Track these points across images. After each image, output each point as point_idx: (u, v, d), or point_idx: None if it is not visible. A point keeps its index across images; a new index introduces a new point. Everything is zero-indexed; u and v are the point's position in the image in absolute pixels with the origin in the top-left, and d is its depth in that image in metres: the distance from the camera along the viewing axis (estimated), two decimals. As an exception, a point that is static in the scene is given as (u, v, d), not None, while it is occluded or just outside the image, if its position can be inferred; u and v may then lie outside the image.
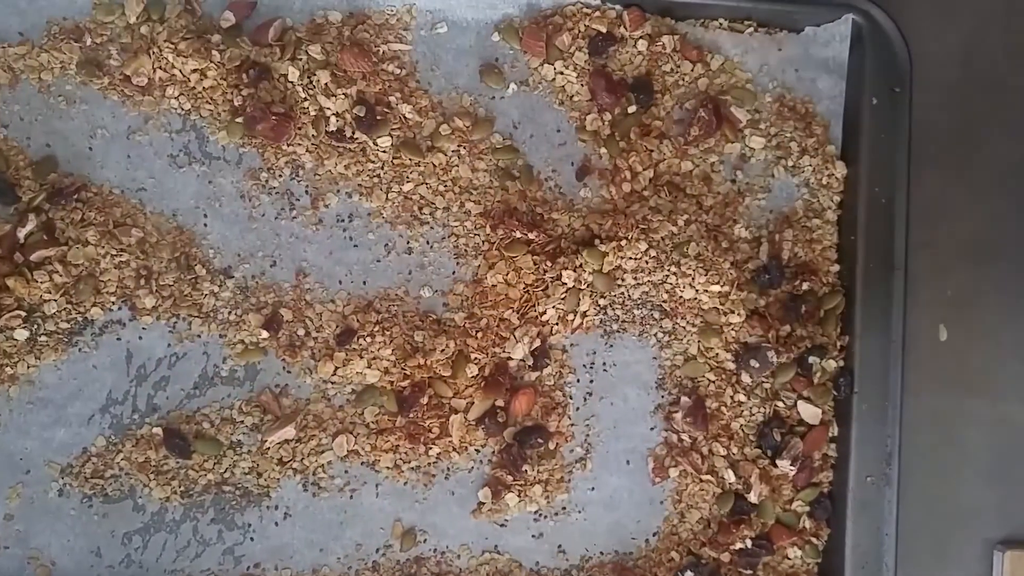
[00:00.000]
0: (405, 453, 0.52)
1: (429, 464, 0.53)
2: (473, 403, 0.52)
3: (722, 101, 0.55)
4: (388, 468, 0.52)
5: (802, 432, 0.54)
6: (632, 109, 0.55)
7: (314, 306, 0.53)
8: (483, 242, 0.54)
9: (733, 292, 0.53)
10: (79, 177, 0.52)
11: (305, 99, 0.53)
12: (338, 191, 0.54)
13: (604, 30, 0.55)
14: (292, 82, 0.53)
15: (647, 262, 0.54)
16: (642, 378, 0.54)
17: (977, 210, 0.57)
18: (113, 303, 0.52)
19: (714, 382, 0.54)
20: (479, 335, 0.53)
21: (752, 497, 0.53)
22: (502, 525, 0.53)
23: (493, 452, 0.53)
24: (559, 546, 0.53)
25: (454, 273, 0.54)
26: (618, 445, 0.54)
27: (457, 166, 0.54)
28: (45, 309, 0.51)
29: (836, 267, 0.55)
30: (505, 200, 0.54)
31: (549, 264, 0.53)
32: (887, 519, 0.53)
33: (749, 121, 0.56)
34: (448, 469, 0.53)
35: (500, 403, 0.53)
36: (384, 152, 0.54)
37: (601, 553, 0.53)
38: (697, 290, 0.53)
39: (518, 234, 0.53)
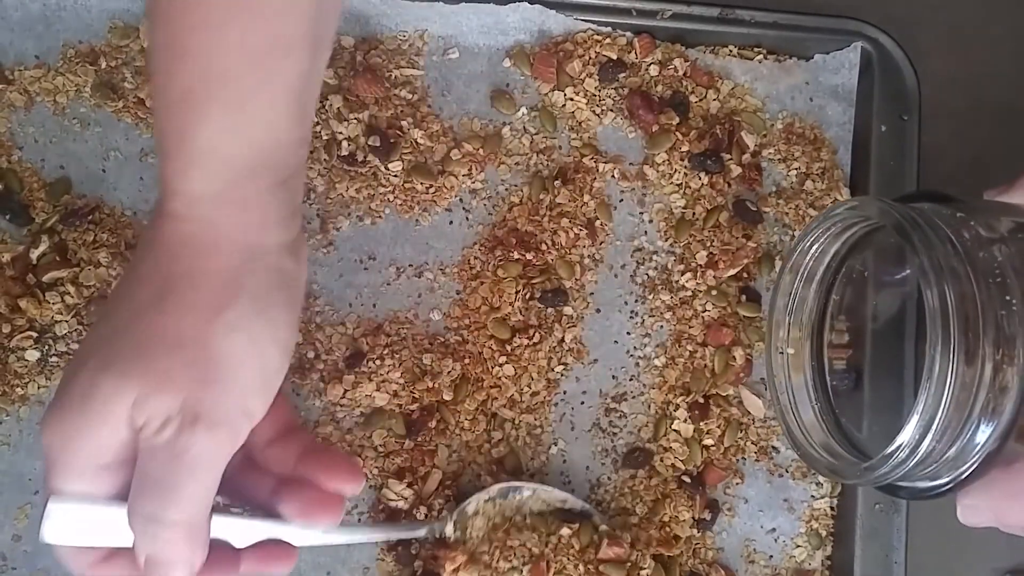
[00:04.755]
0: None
1: (437, 488, 0.53)
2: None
3: (736, 123, 0.56)
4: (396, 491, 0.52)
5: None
6: (676, 121, 0.55)
7: (324, 328, 0.53)
8: (483, 263, 0.54)
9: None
10: (92, 199, 0.53)
11: (317, 123, 0.53)
12: (349, 214, 0.54)
13: (615, 57, 0.55)
14: (305, 106, 0.53)
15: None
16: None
17: (986, 237, 0.57)
18: (124, 324, 0.52)
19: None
20: (468, 359, 0.53)
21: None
22: (509, 550, 0.53)
23: (501, 476, 0.53)
24: (566, 571, 0.53)
25: (459, 294, 0.54)
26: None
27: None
28: (56, 330, 0.51)
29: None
30: (508, 222, 0.54)
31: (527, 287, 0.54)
32: (896, 547, 0.53)
33: (758, 145, 0.56)
34: (456, 493, 0.53)
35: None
36: (396, 176, 0.54)
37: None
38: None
39: (515, 255, 0.53)
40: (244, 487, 0.39)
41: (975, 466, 0.33)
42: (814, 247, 0.40)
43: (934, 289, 0.31)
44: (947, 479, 0.35)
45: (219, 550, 0.37)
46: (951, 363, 0.31)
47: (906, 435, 0.32)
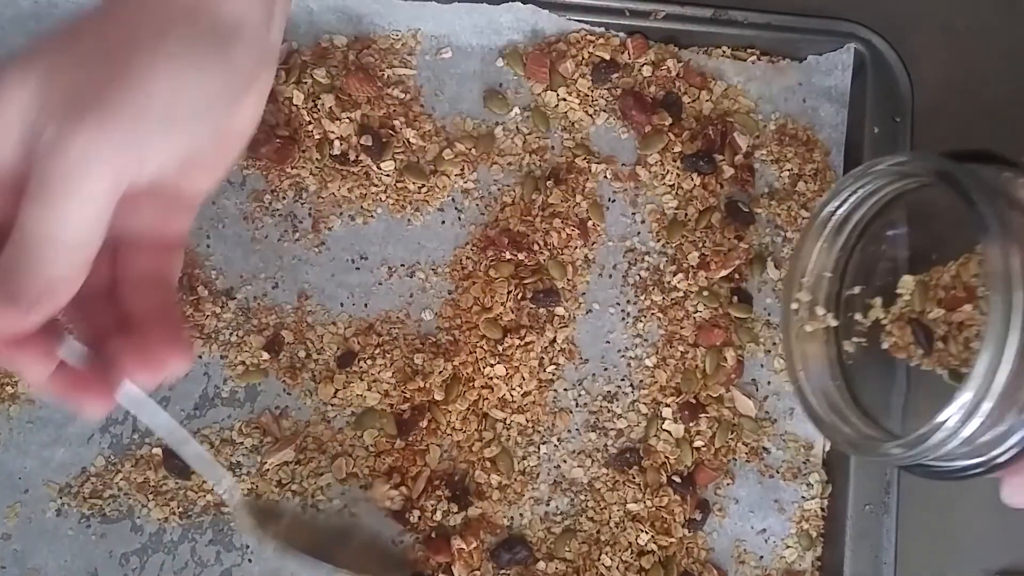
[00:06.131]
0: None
1: (428, 488, 0.53)
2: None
3: (729, 124, 0.56)
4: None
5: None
6: (668, 121, 0.55)
7: (315, 328, 0.53)
8: (475, 264, 0.54)
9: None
10: (83, 197, 0.52)
11: (309, 122, 0.53)
12: (341, 214, 0.54)
13: (608, 57, 0.55)
14: (297, 105, 0.53)
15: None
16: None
17: (977, 239, 0.57)
18: (115, 323, 0.52)
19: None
20: (459, 359, 0.53)
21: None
22: (500, 549, 0.53)
23: (492, 476, 0.53)
24: (557, 571, 0.53)
25: (450, 294, 0.54)
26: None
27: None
28: (47, 328, 0.51)
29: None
30: (500, 222, 0.54)
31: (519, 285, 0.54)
32: (886, 548, 0.53)
33: (751, 147, 0.56)
34: (447, 493, 0.53)
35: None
36: (388, 176, 0.54)
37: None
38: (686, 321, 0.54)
39: (507, 255, 0.53)
40: (93, 312, 0.36)
41: (1017, 450, 0.31)
42: (846, 204, 0.37)
43: (997, 247, 0.28)
44: (978, 460, 0.33)
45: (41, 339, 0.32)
46: (1012, 329, 0.28)
47: (954, 410, 0.30)
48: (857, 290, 0.41)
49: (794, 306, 0.40)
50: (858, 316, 0.41)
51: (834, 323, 0.40)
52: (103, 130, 0.29)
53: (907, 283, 0.39)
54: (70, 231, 0.30)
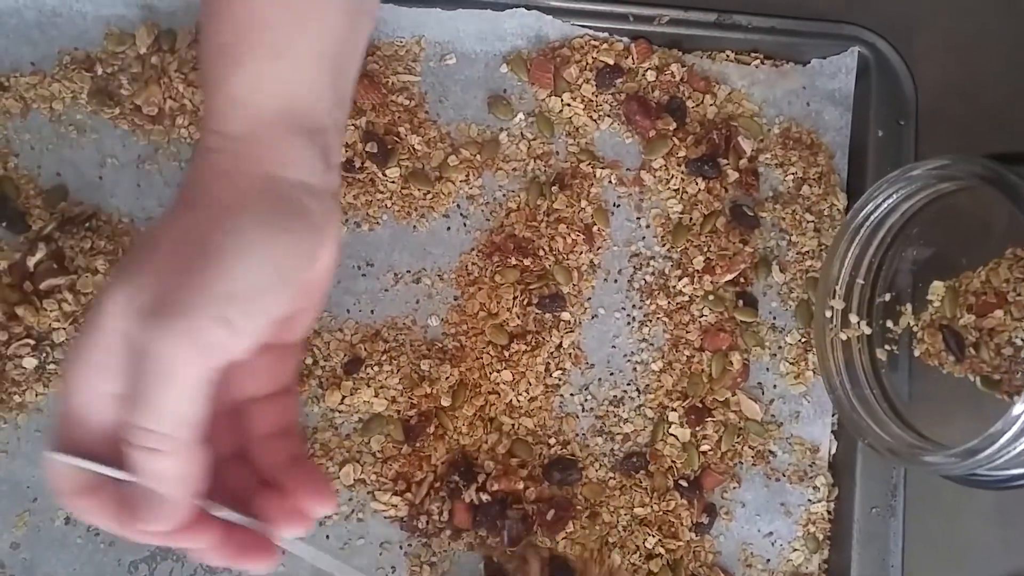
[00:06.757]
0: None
1: (435, 494, 0.53)
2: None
3: (733, 128, 0.56)
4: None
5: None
6: (673, 126, 0.55)
7: (322, 335, 0.53)
8: (480, 269, 0.54)
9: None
10: (89, 206, 0.52)
11: (314, 130, 0.53)
12: (347, 220, 0.54)
13: (611, 62, 0.55)
14: (302, 113, 0.53)
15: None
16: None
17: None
18: (122, 331, 0.52)
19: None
20: (465, 365, 0.53)
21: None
22: (508, 555, 0.53)
23: (499, 482, 0.53)
24: None
25: (456, 300, 0.54)
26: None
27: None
28: (54, 337, 0.51)
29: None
30: (506, 228, 0.54)
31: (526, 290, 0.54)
32: (892, 551, 0.53)
33: (755, 150, 0.56)
34: (454, 498, 0.53)
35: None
36: (393, 182, 0.54)
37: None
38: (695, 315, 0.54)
39: (513, 260, 0.53)
40: (229, 477, 0.38)
41: None
42: (881, 208, 0.38)
43: None
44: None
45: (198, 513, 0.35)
46: None
47: (1008, 423, 0.30)
48: (888, 297, 0.41)
49: (828, 313, 0.40)
50: (889, 323, 0.41)
51: (868, 331, 0.40)
52: (184, 333, 0.32)
53: (937, 289, 0.39)
54: (169, 423, 0.32)
